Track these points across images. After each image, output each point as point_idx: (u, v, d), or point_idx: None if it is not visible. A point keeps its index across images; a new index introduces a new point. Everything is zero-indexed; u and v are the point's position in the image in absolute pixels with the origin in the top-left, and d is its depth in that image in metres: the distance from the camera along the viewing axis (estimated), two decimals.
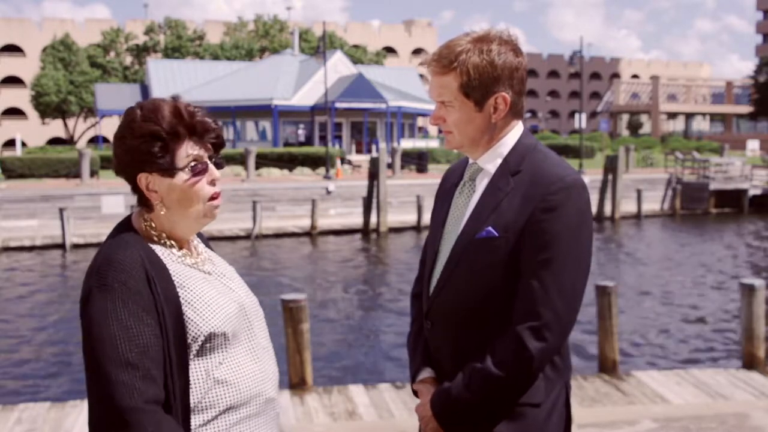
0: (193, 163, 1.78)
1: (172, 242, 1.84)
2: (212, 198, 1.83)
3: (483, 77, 1.95)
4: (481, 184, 2.05)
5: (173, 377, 1.70)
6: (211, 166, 1.82)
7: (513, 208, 1.94)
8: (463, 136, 2.03)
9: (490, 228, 1.95)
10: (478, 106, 1.98)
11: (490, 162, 2.04)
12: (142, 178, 1.79)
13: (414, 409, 2.16)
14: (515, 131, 2.05)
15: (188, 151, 1.78)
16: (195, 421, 1.74)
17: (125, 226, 1.84)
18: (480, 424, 1.97)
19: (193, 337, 1.74)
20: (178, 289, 1.76)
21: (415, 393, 2.18)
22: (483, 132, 2.01)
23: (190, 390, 1.74)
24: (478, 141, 2.03)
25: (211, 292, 1.81)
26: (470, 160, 2.12)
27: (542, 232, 1.90)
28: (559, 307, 1.90)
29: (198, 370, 1.76)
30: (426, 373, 2.15)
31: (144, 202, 1.84)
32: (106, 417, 1.64)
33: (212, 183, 1.82)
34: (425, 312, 2.13)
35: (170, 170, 1.76)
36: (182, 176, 1.77)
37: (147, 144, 1.74)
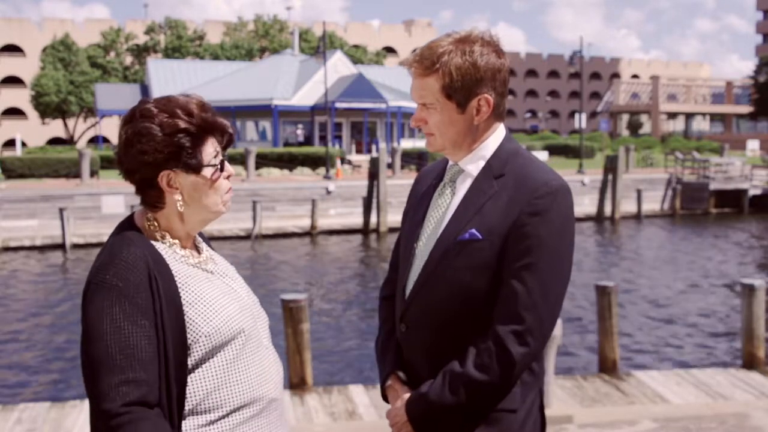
0: (217, 159, 1.82)
1: (175, 241, 1.84)
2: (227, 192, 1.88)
3: (465, 79, 1.91)
4: (463, 186, 2.01)
5: (170, 379, 1.69)
6: (227, 162, 1.87)
7: (497, 212, 1.91)
8: (445, 138, 1.99)
9: (473, 230, 1.92)
10: (461, 108, 1.95)
11: (472, 164, 2.01)
12: (164, 176, 1.77)
13: (385, 415, 2.10)
14: (497, 134, 2.02)
15: (213, 147, 1.81)
16: (198, 422, 1.74)
17: (128, 224, 1.83)
18: (456, 428, 1.93)
19: (194, 337, 1.74)
20: (180, 290, 1.76)
21: (385, 398, 2.12)
22: (465, 134, 1.98)
23: (194, 392, 1.74)
24: (460, 143, 1.99)
25: (213, 292, 1.81)
26: (450, 162, 2.08)
27: (528, 236, 1.87)
28: (542, 311, 1.87)
29: (201, 371, 1.75)
30: (397, 377, 2.09)
31: (149, 202, 1.82)
32: (95, 418, 1.66)
33: (227, 178, 1.87)
34: (400, 315, 2.07)
35: (197, 166, 1.78)
36: (208, 172, 1.80)
37: (177, 140, 1.75)
